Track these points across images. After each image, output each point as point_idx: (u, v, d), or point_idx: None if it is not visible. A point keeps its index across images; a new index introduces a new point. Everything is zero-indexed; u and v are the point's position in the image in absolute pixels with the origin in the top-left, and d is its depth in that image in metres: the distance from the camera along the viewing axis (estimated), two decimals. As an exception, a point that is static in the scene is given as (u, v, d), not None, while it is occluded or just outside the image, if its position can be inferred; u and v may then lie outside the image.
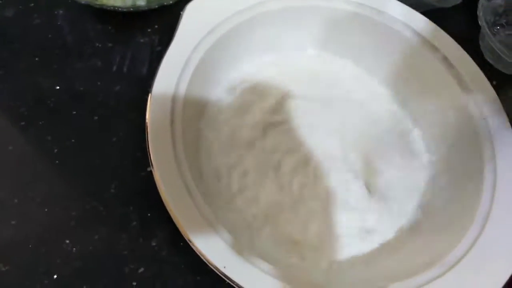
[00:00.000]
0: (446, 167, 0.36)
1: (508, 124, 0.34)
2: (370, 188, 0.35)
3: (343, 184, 0.35)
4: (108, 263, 0.32)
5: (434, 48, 0.36)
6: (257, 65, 0.38)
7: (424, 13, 0.39)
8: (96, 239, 0.32)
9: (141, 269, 0.32)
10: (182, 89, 0.31)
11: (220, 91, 0.36)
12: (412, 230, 0.34)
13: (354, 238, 0.33)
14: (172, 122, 0.29)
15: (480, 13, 0.42)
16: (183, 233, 0.27)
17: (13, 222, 0.32)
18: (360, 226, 0.34)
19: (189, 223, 0.27)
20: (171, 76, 0.31)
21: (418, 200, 0.35)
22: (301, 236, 0.32)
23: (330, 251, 0.32)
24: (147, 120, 0.29)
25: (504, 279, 0.28)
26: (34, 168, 0.34)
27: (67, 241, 0.32)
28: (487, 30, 0.41)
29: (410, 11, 0.38)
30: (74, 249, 0.32)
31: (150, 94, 0.30)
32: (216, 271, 0.26)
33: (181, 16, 0.33)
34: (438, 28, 0.37)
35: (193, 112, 0.32)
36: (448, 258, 0.29)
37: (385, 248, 0.33)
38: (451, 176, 0.35)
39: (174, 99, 0.30)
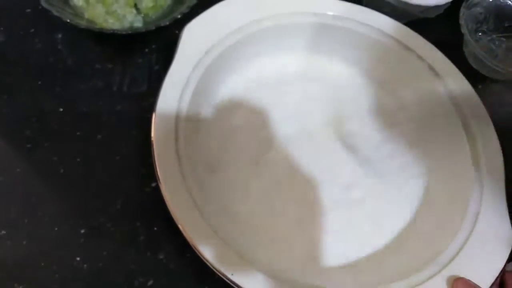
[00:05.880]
0: (437, 172, 0.37)
1: (492, 125, 0.36)
2: (361, 194, 0.37)
3: (337, 192, 0.36)
4: (118, 278, 0.33)
5: (419, 58, 0.38)
6: (254, 80, 0.39)
7: (409, 23, 0.41)
8: (105, 255, 0.33)
9: (150, 282, 0.33)
10: (184, 107, 0.32)
11: (220, 107, 0.38)
12: (406, 233, 0.35)
13: (351, 243, 0.34)
14: (176, 138, 0.31)
15: (462, 21, 0.44)
16: (190, 243, 0.28)
17: (24, 242, 0.33)
18: (355, 231, 0.35)
19: (196, 233, 0.28)
20: (173, 95, 0.32)
21: (409, 204, 0.36)
22: (300, 244, 0.34)
23: (328, 257, 0.33)
24: (152, 138, 0.31)
25: (494, 275, 0.30)
26: (42, 188, 0.35)
27: (78, 258, 0.33)
28: (469, 37, 0.43)
29: (394, 23, 0.40)
30: (85, 265, 0.33)
31: (154, 113, 0.32)
32: (225, 279, 0.27)
33: (180, 37, 0.35)
34: (422, 38, 0.39)
35: (195, 128, 0.34)
36: (441, 258, 0.30)
37: (381, 252, 0.34)
38: (442, 180, 0.36)
39: (177, 116, 0.31)
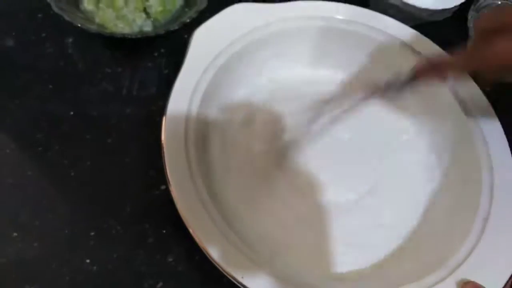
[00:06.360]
0: (446, 176, 0.37)
1: (501, 128, 0.36)
2: (372, 199, 0.36)
3: (347, 196, 0.36)
4: (128, 280, 0.33)
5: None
6: (263, 84, 0.40)
7: (416, 26, 0.41)
8: (114, 257, 0.34)
9: (160, 284, 0.33)
10: (194, 110, 0.32)
11: (229, 110, 0.38)
12: (415, 236, 0.35)
13: (361, 247, 0.34)
14: (186, 141, 0.31)
15: (470, 24, 0.44)
16: (200, 246, 0.28)
17: (35, 244, 0.33)
18: (364, 235, 0.35)
19: (206, 236, 0.29)
20: (183, 98, 0.32)
21: (420, 208, 0.36)
22: (310, 248, 0.34)
23: (338, 262, 0.33)
24: (162, 141, 0.31)
25: (504, 279, 0.29)
26: (53, 191, 0.36)
27: (88, 260, 0.33)
28: (478, 40, 0.43)
29: (402, 26, 0.40)
30: (95, 267, 0.33)
31: (164, 116, 0.32)
32: (235, 281, 0.27)
33: (190, 42, 0.35)
34: (430, 41, 0.39)
35: (205, 131, 0.34)
36: (451, 261, 0.30)
37: (391, 256, 0.34)
38: (451, 183, 0.36)
39: (187, 119, 0.32)
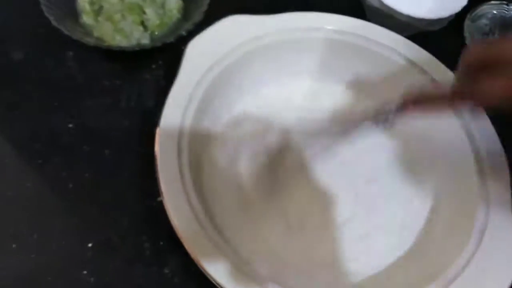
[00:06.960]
0: (444, 188, 0.37)
1: (498, 139, 0.36)
2: (371, 213, 0.36)
3: (346, 212, 0.36)
4: (124, 292, 0.33)
5: (422, 71, 0.38)
6: (258, 97, 0.40)
7: (412, 36, 0.41)
8: (111, 269, 0.34)
9: (156, 296, 0.33)
10: (188, 122, 0.33)
11: (223, 123, 0.38)
12: (413, 247, 0.35)
13: (360, 260, 0.34)
14: (179, 153, 0.31)
15: (466, 33, 0.44)
16: (194, 259, 0.29)
17: (32, 256, 0.34)
18: (362, 248, 0.35)
19: (199, 249, 0.29)
20: (177, 110, 0.33)
21: (418, 221, 0.36)
22: (308, 262, 0.34)
23: (335, 276, 0.33)
24: (155, 152, 0.31)
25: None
26: (51, 203, 0.36)
27: (84, 272, 0.33)
28: (475, 49, 0.43)
29: (397, 36, 0.40)
30: (92, 279, 0.33)
31: (158, 128, 0.32)
32: (228, 294, 0.28)
33: (184, 53, 0.36)
34: (425, 51, 0.39)
35: (198, 143, 0.34)
36: (448, 272, 0.30)
37: (387, 267, 0.34)
38: (449, 196, 0.36)
39: (180, 131, 0.32)
